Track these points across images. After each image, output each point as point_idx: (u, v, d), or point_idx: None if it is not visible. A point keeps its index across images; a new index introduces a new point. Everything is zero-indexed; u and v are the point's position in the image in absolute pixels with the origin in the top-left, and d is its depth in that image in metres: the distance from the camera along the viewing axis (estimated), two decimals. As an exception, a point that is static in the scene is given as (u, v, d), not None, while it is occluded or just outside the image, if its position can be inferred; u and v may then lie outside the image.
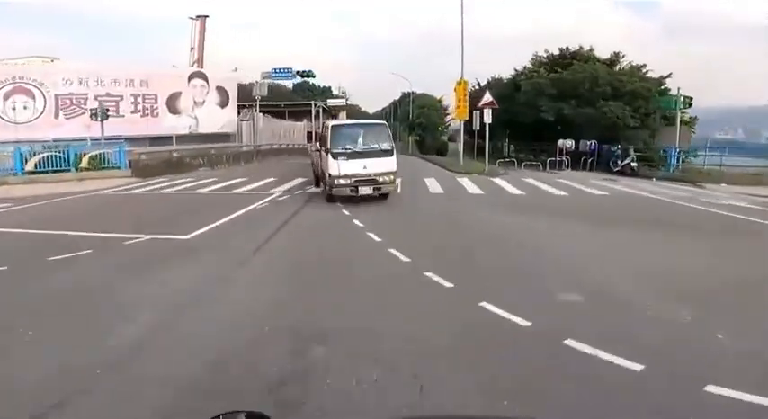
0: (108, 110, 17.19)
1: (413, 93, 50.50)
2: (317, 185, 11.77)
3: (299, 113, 38.73)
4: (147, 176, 16.75)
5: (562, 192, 12.69)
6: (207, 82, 22.71)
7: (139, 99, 20.33)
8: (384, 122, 11.22)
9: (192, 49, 25.57)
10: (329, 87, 62.60)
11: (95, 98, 18.71)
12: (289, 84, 61.61)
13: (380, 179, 9.57)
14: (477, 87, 29.62)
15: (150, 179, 16.19)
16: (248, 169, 19.39)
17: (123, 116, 19.91)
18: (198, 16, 25.62)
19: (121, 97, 19.84)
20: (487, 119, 17.08)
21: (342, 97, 45.77)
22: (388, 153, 9.84)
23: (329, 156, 9.42)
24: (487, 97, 17.77)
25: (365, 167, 9.39)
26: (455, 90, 19.23)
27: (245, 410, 0.89)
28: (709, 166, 19.04)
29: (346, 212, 8.78)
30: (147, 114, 20.63)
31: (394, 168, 9.82)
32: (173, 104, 21.47)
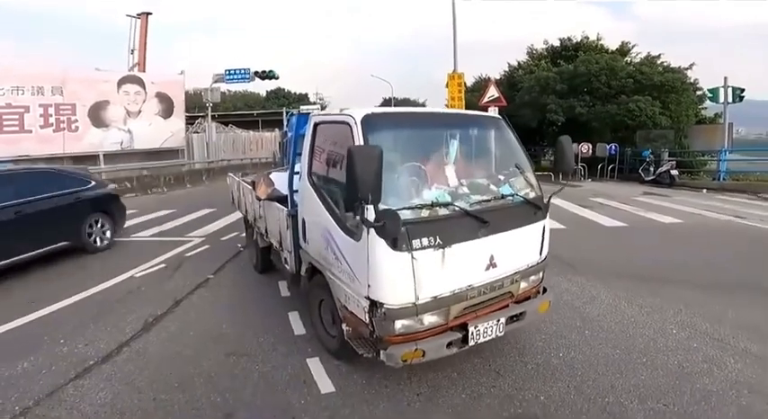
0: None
1: (394, 98, 46.85)
2: (262, 265, 5.79)
3: (273, 123, 34.82)
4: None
5: (617, 222, 8.82)
6: (143, 88, 18.43)
7: (51, 110, 15.97)
8: (500, 117, 4.00)
9: (132, 51, 21.48)
10: (306, 94, 59.06)
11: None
12: (262, 91, 58.46)
13: (520, 287, 3.44)
14: (469, 85, 25.91)
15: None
16: (190, 194, 15.29)
17: (31, 131, 15.59)
18: (139, 14, 21.58)
19: (27, 108, 15.50)
20: (494, 120, 13.22)
21: (319, 104, 42.04)
22: (535, 211, 3.47)
23: (370, 234, 2.76)
24: (492, 93, 13.91)
25: (492, 261, 3.12)
26: (447, 86, 15.30)
27: None
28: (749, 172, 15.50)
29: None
30: (64, 128, 16.26)
31: (546, 250, 3.64)
32: (98, 115, 17.11)
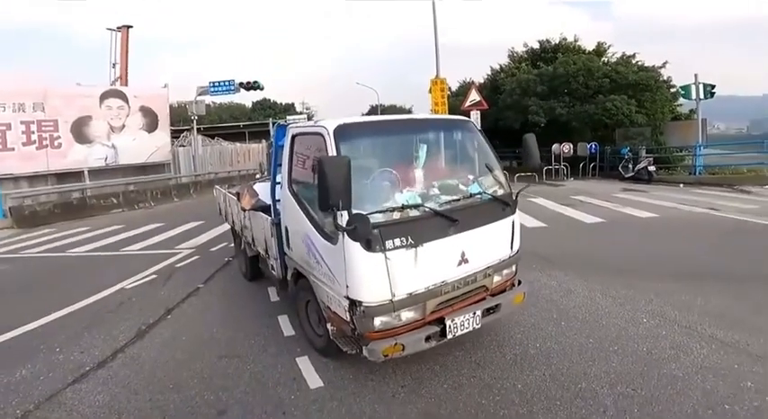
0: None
1: (381, 105, 47.16)
2: (251, 273, 5.90)
3: (260, 134, 34.84)
4: (33, 226, 12.61)
5: (596, 219, 9.09)
6: (126, 102, 18.40)
7: (33, 127, 15.86)
8: (468, 119, 4.42)
9: (113, 65, 21.43)
10: (292, 104, 59.17)
11: (-32, 129, 14.40)
12: (248, 102, 58.45)
13: (494, 281, 3.61)
14: (454, 90, 26.24)
15: (35, 230, 12.06)
16: (178, 208, 15.31)
17: (13, 149, 15.50)
18: (119, 27, 21.56)
19: (8, 126, 15.41)
20: (475, 123, 13.49)
21: (305, 113, 42.15)
22: (503, 207, 3.66)
23: (345, 237, 2.91)
24: (474, 96, 14.23)
25: (463, 257, 3.30)
26: (430, 91, 15.58)
27: None
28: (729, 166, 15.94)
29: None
30: (47, 145, 16.18)
31: (517, 245, 3.84)
32: (81, 131, 17.05)
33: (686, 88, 16.21)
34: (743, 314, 4.20)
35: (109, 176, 17.48)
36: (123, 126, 18.27)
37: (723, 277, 5.28)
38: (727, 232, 7.57)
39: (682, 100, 18.43)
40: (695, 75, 15.80)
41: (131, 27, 21.68)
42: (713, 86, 15.61)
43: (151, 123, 19.20)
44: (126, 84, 20.25)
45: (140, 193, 16.42)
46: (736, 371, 3.25)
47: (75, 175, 16.77)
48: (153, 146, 19.17)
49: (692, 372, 3.29)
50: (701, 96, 15.59)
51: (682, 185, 14.14)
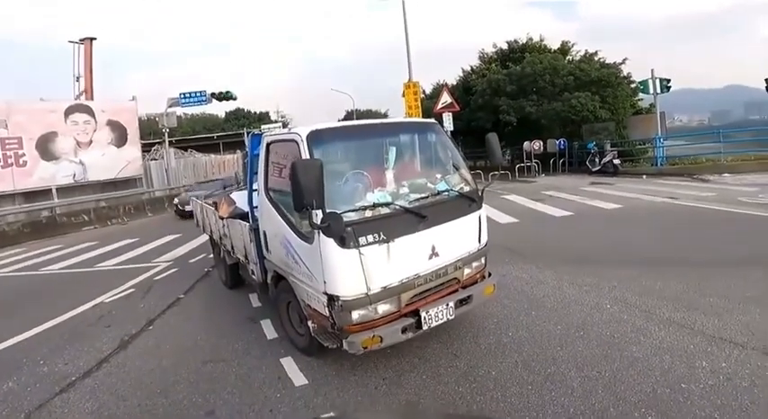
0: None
1: (357, 110, 47.31)
2: (232, 281, 5.99)
3: (234, 145, 34.40)
4: (1, 246, 12.34)
5: (565, 212, 9.47)
6: (93, 116, 18.05)
7: (-5, 145, 15.47)
8: (434, 122, 4.40)
9: (77, 78, 20.99)
10: (267, 113, 58.58)
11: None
12: (221, 112, 57.67)
13: (464, 273, 3.80)
14: (428, 92, 26.59)
15: (4, 250, 11.85)
16: (152, 222, 15.09)
17: (-23, 169, 15.07)
18: (82, 39, 21.14)
19: (-30, 145, 15.02)
20: (448, 124, 13.82)
21: (280, 121, 41.91)
22: (469, 203, 3.85)
23: (320, 236, 3.08)
24: (446, 98, 14.54)
25: (434, 250, 3.48)
26: (403, 95, 15.85)
27: None
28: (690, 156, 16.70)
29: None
30: (12, 164, 15.76)
31: (485, 238, 4.04)
32: (47, 148, 16.64)
33: (644, 83, 16.95)
34: (698, 297, 4.46)
35: (79, 193, 17.12)
36: (91, 141, 17.92)
37: (681, 263, 5.57)
38: (686, 220, 8.01)
39: (642, 95, 19.20)
40: (652, 71, 16.62)
41: (95, 39, 21.34)
42: (669, 80, 16.37)
43: (120, 137, 18.87)
44: (92, 98, 19.87)
45: (112, 209, 16.11)
46: (692, 352, 3.45)
47: (43, 193, 16.37)
48: (123, 160, 18.84)
49: (651, 354, 3.47)
50: (658, 90, 16.34)
51: (645, 176, 14.79)
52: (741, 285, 4.63)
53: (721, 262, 5.43)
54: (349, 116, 43.81)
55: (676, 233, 7.14)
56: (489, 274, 4.15)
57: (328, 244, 3.06)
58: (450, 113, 15.07)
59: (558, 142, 18.99)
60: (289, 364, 3.78)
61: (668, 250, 6.24)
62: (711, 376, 3.10)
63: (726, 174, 13.24)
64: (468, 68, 25.85)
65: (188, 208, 10.30)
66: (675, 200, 9.73)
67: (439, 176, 3.90)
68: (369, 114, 49.68)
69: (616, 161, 16.23)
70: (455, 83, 26.04)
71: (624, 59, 20.10)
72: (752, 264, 5.22)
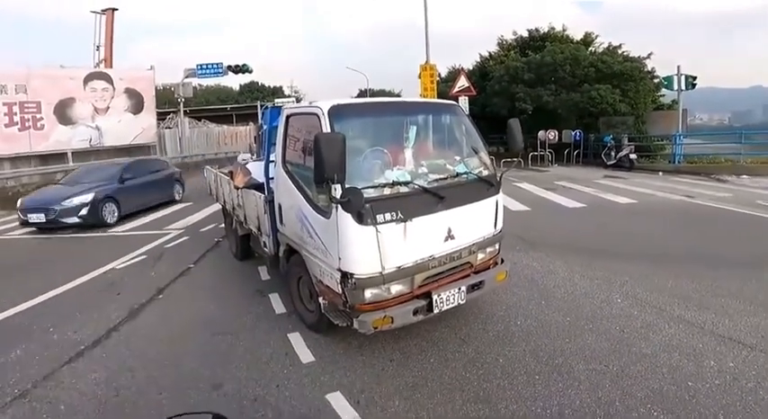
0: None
1: (370, 90, 46.83)
2: (242, 253, 6.04)
3: (247, 117, 34.40)
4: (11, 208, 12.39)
5: (577, 203, 9.37)
6: (111, 84, 18.06)
7: (15, 108, 15.50)
8: (456, 104, 4.36)
9: (97, 47, 20.91)
10: (280, 87, 58.17)
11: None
12: (235, 85, 57.40)
13: (478, 258, 3.76)
14: (443, 76, 26.16)
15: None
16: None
17: (-5, 130, 15.18)
18: (104, 9, 21.00)
19: (-10, 107, 15.08)
20: (463, 108, 13.57)
21: (293, 96, 41.65)
22: (488, 187, 3.80)
23: (338, 211, 3.05)
24: (462, 82, 14.32)
25: (449, 233, 3.44)
26: (420, 76, 15.61)
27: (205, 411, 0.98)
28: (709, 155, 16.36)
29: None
30: (29, 127, 15.85)
31: (501, 224, 4.00)
32: (64, 113, 16.74)
33: (669, 79, 16.49)
34: (710, 297, 4.43)
35: (93, 157, 17.23)
36: (108, 108, 18.00)
37: (694, 262, 5.52)
38: (701, 219, 7.87)
39: (664, 90, 18.75)
40: (678, 67, 16.08)
41: (116, 10, 21.20)
42: (695, 78, 15.92)
43: (136, 105, 18.93)
44: (111, 67, 19.87)
45: (126, 175, 16.21)
46: (701, 351, 3.43)
47: (58, 157, 16.55)
48: (138, 127, 18.95)
49: (660, 350, 3.46)
50: (683, 87, 15.89)
51: (661, 173, 14.54)
52: (754, 287, 4.59)
53: (735, 264, 5.36)
54: (362, 94, 43.38)
55: (691, 232, 7.04)
56: (502, 261, 4.13)
57: (346, 219, 3.03)
58: (467, 97, 14.83)
59: (573, 133, 18.67)
60: (296, 340, 3.81)
61: (682, 248, 6.17)
62: (718, 375, 3.10)
63: (744, 176, 12.99)
64: (486, 54, 25.46)
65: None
66: (691, 198, 9.58)
67: (458, 158, 3.84)
68: (381, 94, 49.11)
69: (633, 156, 15.93)
70: (471, 68, 25.61)
71: (649, 54, 19.56)
72: (765, 267, 5.15)
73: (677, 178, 13.29)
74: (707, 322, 3.90)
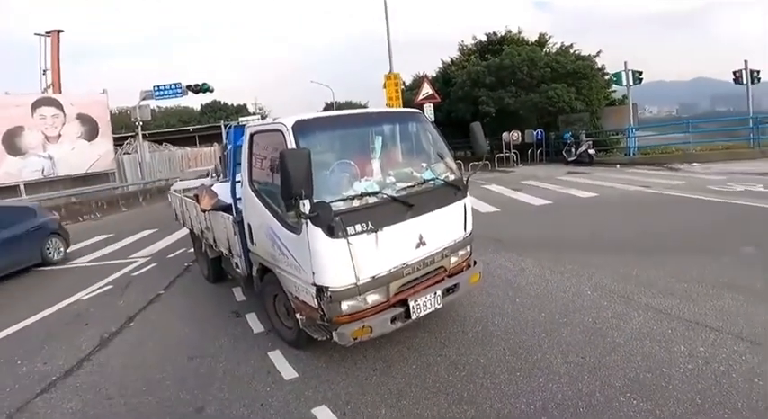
0: None
1: (336, 102, 46.89)
2: (214, 275, 5.90)
3: (211, 138, 33.78)
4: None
5: (543, 201, 9.64)
6: (61, 110, 17.31)
7: (-40, 141, 14.76)
8: (419, 112, 4.39)
9: (44, 71, 20.07)
10: (244, 105, 57.49)
11: None
12: (197, 105, 56.31)
13: (451, 261, 3.81)
14: (408, 84, 26.50)
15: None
16: (127, 217, 14.64)
17: (-62, 166, 14.34)
18: (48, 32, 20.22)
19: (-69, 141, 14.26)
20: (428, 115, 13.80)
21: (258, 114, 41.20)
22: (455, 191, 3.87)
23: (308, 226, 3.06)
24: (426, 90, 14.57)
25: (421, 239, 3.49)
26: (384, 86, 15.78)
27: None
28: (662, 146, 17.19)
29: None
30: (-25, 159, 15.09)
31: (470, 226, 4.05)
32: (13, 143, 15.91)
33: (617, 75, 17.32)
34: (674, 283, 4.60)
35: (48, 189, 16.50)
36: (60, 135, 17.22)
37: (655, 249, 5.75)
38: (658, 207, 8.25)
39: (615, 86, 19.61)
40: (625, 63, 16.94)
41: (62, 31, 20.40)
42: (641, 73, 16.76)
43: (91, 131, 18.19)
44: (59, 91, 19.06)
45: (85, 205, 15.55)
46: (670, 337, 3.54)
47: (10, 190, 15.73)
48: (94, 154, 18.19)
49: (632, 339, 3.56)
50: (631, 82, 16.71)
51: (618, 166, 15.18)
52: (715, 271, 4.79)
53: (693, 249, 5.62)
54: (329, 108, 43.33)
55: (650, 220, 7.35)
56: (475, 262, 4.19)
57: (316, 234, 3.04)
58: (431, 104, 15.10)
59: (535, 133, 19.30)
60: (277, 358, 3.75)
61: (643, 237, 6.42)
62: (690, 360, 3.19)
63: (695, 163, 13.68)
64: (449, 60, 25.99)
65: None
66: (648, 188, 10.02)
67: (424, 165, 3.90)
68: (348, 106, 49.35)
69: (591, 151, 16.59)
70: (435, 75, 26.09)
71: (598, 52, 20.47)
72: (722, 250, 5.43)
73: (633, 169, 13.89)
74: (673, 308, 4.03)
